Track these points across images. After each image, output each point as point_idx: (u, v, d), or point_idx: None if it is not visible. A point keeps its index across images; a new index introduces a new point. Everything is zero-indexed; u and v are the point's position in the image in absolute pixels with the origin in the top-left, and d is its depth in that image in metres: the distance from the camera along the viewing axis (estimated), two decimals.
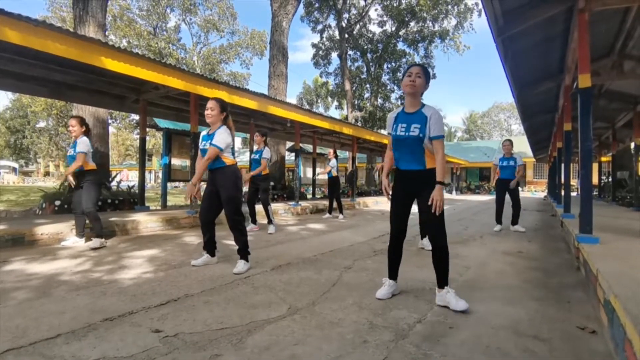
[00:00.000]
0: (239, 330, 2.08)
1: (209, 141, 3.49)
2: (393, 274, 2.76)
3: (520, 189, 6.81)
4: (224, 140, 3.46)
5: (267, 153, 6.07)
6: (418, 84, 2.54)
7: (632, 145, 10.04)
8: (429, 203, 2.43)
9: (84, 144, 4.55)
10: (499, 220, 6.61)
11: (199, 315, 2.31)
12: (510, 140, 6.65)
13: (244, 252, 3.52)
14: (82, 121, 4.68)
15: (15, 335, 1.98)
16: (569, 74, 6.56)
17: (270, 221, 6.09)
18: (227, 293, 2.76)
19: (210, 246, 3.67)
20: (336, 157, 8.79)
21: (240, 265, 3.43)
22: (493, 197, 23.08)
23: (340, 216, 8.48)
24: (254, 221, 6.24)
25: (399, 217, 2.66)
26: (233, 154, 3.65)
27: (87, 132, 4.69)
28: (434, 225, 2.53)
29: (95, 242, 4.43)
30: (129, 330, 2.08)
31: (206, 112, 3.51)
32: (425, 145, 2.51)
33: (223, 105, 3.59)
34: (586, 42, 4.03)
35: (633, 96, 8.58)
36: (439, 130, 2.50)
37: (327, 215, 8.75)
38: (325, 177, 8.90)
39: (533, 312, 2.43)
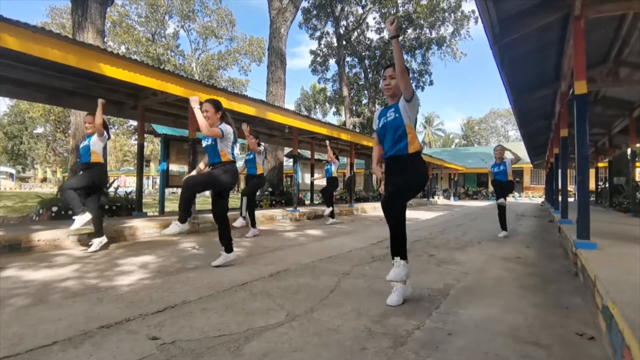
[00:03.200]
0: (237, 338, 2.07)
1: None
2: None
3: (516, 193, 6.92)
4: (225, 129, 3.67)
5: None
6: (392, 85, 2.77)
7: (629, 151, 10.11)
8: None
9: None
10: (503, 226, 6.59)
11: (196, 322, 2.29)
12: (501, 146, 6.77)
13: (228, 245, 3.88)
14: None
15: (12, 343, 1.96)
16: (565, 80, 6.61)
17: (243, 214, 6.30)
18: (224, 300, 2.75)
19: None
20: (337, 158, 8.80)
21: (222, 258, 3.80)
22: (491, 202, 22.92)
23: (327, 211, 8.43)
24: (254, 225, 6.24)
25: None
26: (233, 152, 3.74)
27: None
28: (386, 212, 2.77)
29: (94, 243, 4.51)
30: (126, 337, 2.06)
31: (203, 115, 3.63)
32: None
33: (216, 104, 3.70)
34: (582, 49, 4.07)
35: (629, 102, 8.65)
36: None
37: (331, 220, 8.47)
38: (324, 181, 8.83)
39: (531, 318, 2.43)
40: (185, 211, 3.62)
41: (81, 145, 4.70)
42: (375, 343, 2.03)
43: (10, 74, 5.73)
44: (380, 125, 2.82)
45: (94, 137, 4.66)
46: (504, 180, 6.55)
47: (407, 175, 2.70)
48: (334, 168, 8.50)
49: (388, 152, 2.78)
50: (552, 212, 9.58)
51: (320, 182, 15.05)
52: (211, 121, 3.66)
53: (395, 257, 2.68)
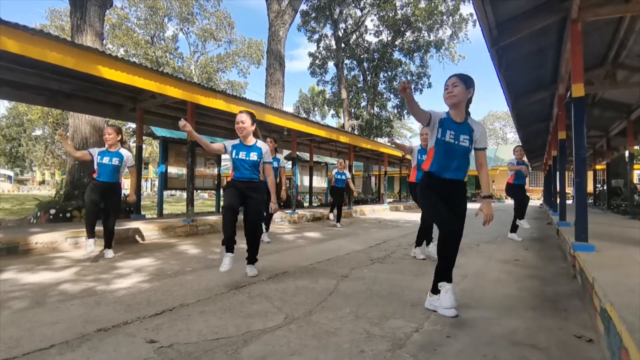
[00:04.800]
0: (235, 341, 2.07)
1: (257, 154, 3.58)
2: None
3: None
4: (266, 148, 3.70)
5: (283, 161, 6.31)
6: (456, 93, 2.57)
7: (627, 153, 10.13)
8: (476, 215, 2.64)
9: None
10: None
11: (194, 325, 2.29)
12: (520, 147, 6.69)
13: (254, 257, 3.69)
14: (118, 130, 4.49)
15: (9, 346, 1.95)
16: (562, 83, 6.63)
17: (267, 229, 6.11)
18: (223, 303, 2.74)
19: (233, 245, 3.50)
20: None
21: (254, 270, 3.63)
22: None
23: (333, 221, 8.53)
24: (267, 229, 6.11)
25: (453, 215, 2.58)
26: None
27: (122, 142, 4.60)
28: (459, 237, 2.57)
29: (110, 253, 4.38)
30: (123, 340, 2.05)
31: (238, 126, 3.49)
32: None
33: (253, 117, 3.61)
34: (579, 52, 4.08)
35: (626, 105, 8.67)
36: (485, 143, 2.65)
37: (339, 225, 8.59)
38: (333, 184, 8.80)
39: (530, 321, 2.43)
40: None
41: (104, 162, 4.28)
42: (373, 346, 2.02)
43: (8, 76, 5.73)
44: (449, 140, 2.57)
45: (127, 158, 4.43)
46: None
47: (465, 201, 2.71)
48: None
49: (445, 174, 2.61)
50: (551, 215, 9.58)
51: (320, 184, 15.08)
52: (247, 132, 3.51)
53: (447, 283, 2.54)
